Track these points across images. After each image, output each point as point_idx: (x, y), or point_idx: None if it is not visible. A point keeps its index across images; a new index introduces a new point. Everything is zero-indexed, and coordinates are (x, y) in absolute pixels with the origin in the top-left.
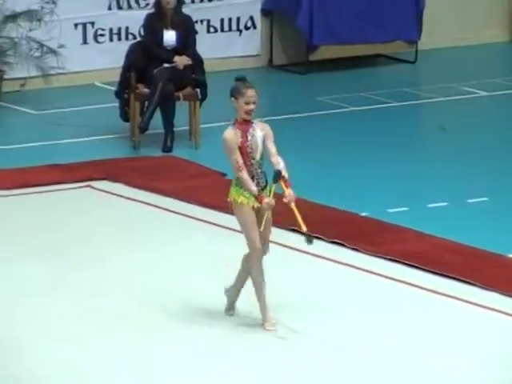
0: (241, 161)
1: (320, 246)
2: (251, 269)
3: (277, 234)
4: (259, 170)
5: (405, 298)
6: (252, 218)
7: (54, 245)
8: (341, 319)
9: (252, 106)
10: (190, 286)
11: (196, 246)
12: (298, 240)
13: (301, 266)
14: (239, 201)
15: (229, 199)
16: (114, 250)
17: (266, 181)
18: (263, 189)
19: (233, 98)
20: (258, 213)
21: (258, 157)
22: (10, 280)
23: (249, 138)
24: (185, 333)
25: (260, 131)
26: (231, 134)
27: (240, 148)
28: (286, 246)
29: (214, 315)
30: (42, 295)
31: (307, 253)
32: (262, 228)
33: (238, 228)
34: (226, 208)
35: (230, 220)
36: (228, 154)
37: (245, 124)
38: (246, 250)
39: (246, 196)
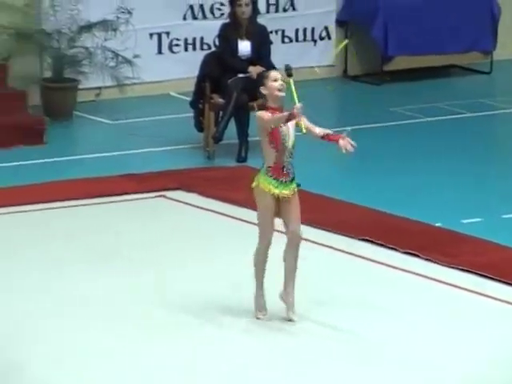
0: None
1: (394, 257)
2: (256, 258)
3: (347, 243)
4: (290, 159)
5: (480, 309)
6: (271, 211)
7: (125, 252)
8: (411, 328)
9: (279, 82)
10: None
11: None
12: (372, 251)
13: (373, 276)
14: (267, 189)
15: (255, 183)
16: (185, 258)
17: (294, 174)
18: (291, 181)
19: (262, 88)
20: (279, 202)
21: (290, 145)
22: (83, 284)
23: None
24: (247, 345)
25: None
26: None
27: (272, 133)
28: (357, 256)
29: (276, 324)
30: (108, 302)
31: (381, 263)
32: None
33: (313, 238)
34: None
35: (304, 230)
36: (264, 123)
37: (278, 110)
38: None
39: (273, 185)
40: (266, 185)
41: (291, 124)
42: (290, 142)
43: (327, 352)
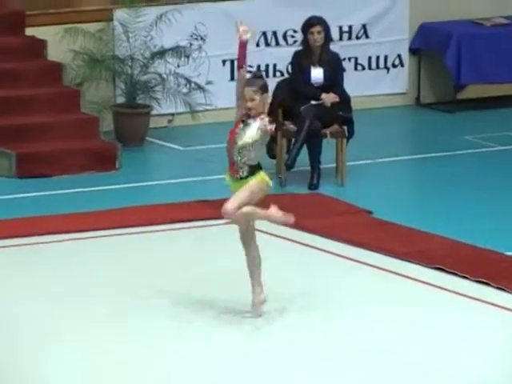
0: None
1: (465, 285)
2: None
3: (418, 271)
4: (240, 158)
5: None
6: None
7: (198, 279)
8: (477, 355)
9: (249, 104)
10: (326, 320)
11: (337, 281)
12: (442, 279)
13: (445, 305)
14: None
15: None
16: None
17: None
18: (242, 178)
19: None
20: None
21: (239, 143)
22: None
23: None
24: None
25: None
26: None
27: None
28: (429, 284)
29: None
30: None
31: (452, 291)
32: None
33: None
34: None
35: (377, 258)
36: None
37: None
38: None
39: (229, 181)
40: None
41: (255, 126)
42: (239, 141)
43: None
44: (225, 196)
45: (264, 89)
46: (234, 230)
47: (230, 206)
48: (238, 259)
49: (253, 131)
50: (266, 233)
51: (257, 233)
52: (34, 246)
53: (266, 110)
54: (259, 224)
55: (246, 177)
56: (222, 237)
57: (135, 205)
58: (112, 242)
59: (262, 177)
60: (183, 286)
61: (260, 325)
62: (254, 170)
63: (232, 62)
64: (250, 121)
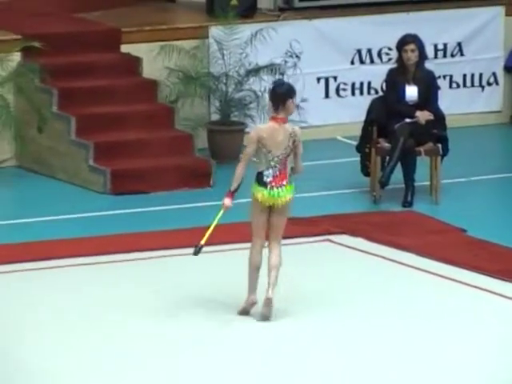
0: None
1: None
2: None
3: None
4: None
5: None
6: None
7: (290, 296)
8: None
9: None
10: (422, 337)
11: (431, 302)
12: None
13: None
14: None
15: (291, 196)
16: (353, 299)
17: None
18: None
19: (291, 100)
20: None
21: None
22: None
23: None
24: None
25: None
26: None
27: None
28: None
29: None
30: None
31: None
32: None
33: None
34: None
35: (471, 276)
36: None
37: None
38: None
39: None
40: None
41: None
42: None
43: None
44: (317, 213)
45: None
46: (328, 246)
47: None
48: (336, 276)
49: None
50: (360, 251)
51: (354, 252)
52: (130, 262)
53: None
54: (357, 244)
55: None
56: (316, 254)
57: (229, 222)
58: (213, 257)
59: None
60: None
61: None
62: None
63: (327, 79)
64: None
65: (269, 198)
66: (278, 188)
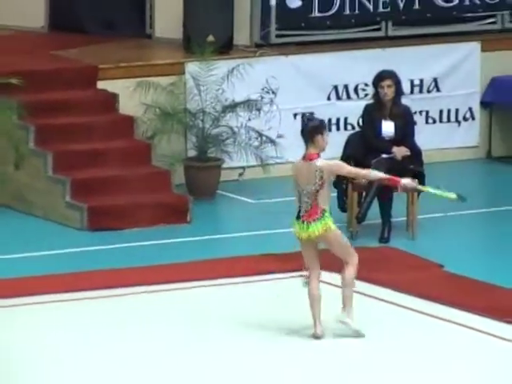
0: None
1: None
2: (355, 274)
3: (490, 325)
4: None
5: None
6: None
7: (267, 332)
8: None
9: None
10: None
11: (412, 339)
12: None
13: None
14: (333, 227)
15: (324, 228)
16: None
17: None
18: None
19: (320, 135)
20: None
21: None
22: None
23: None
24: None
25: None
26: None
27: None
28: (503, 339)
29: None
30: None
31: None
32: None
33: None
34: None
35: (449, 313)
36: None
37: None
38: None
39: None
40: (332, 223)
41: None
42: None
43: None
44: (295, 249)
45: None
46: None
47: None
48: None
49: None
50: (337, 286)
51: (326, 286)
52: (104, 299)
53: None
54: (326, 277)
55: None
56: (293, 289)
57: (207, 258)
58: (184, 294)
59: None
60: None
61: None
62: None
63: (303, 115)
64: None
65: (300, 231)
66: (309, 222)
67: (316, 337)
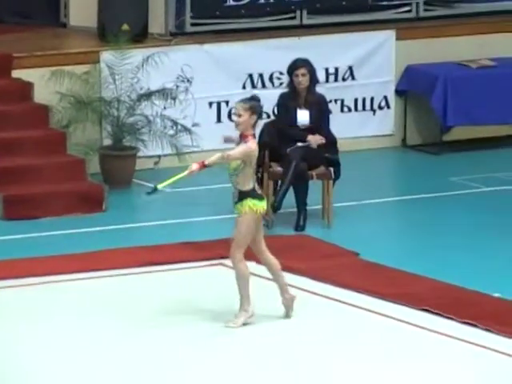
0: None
1: (452, 327)
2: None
3: (404, 312)
4: (232, 182)
5: None
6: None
7: (185, 320)
8: None
9: (235, 118)
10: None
11: (327, 326)
12: (429, 321)
13: (431, 347)
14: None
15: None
16: (244, 327)
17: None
18: (236, 203)
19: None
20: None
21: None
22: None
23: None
24: None
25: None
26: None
27: None
28: (414, 325)
29: None
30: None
31: (439, 333)
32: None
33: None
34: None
35: (364, 300)
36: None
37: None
38: None
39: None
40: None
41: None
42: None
43: None
44: (209, 237)
45: (254, 110)
46: (220, 270)
47: (232, 253)
48: (227, 300)
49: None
50: (253, 275)
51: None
52: (18, 288)
53: (251, 132)
54: (249, 268)
55: (236, 202)
56: (207, 278)
57: (122, 247)
58: (95, 284)
59: (248, 206)
60: (168, 326)
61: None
62: (244, 196)
63: (219, 104)
64: (239, 144)
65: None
66: None
67: (251, 315)
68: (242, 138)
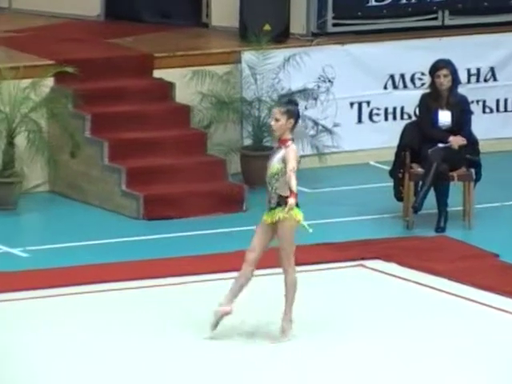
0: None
1: None
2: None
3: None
4: (270, 188)
5: None
6: (257, 234)
7: (324, 321)
8: None
9: (272, 123)
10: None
11: (464, 328)
12: None
13: None
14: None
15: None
16: (379, 328)
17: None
18: (272, 209)
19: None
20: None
21: (267, 175)
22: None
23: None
24: None
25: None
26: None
27: None
28: None
29: None
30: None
31: None
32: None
33: None
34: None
35: (503, 302)
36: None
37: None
38: None
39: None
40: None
41: (275, 158)
42: (269, 170)
43: None
44: (350, 238)
45: (291, 114)
46: (361, 271)
47: (286, 264)
48: (368, 301)
49: (278, 159)
50: (393, 276)
51: (387, 277)
52: (162, 288)
53: (289, 136)
54: (390, 269)
55: (274, 207)
56: (348, 279)
57: None
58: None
59: (295, 213)
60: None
61: None
62: (283, 201)
63: (360, 104)
64: (279, 149)
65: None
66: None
67: (228, 313)
68: (281, 142)
